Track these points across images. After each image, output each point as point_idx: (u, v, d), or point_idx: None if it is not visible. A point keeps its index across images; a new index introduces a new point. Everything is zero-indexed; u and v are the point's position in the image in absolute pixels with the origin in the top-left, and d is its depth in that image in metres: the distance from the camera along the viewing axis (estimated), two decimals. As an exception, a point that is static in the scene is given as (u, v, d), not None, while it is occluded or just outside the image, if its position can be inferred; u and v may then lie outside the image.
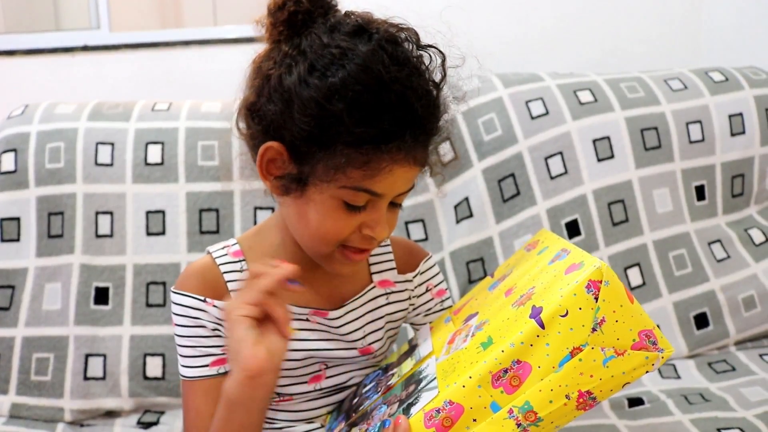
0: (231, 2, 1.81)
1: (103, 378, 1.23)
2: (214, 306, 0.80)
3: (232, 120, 0.81)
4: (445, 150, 1.40)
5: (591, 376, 0.66)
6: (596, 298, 0.65)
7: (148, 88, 1.67)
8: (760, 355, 1.38)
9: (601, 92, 1.48)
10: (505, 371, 0.66)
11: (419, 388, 0.72)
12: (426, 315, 0.95)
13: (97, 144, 1.31)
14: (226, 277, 0.82)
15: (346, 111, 0.70)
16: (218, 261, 0.83)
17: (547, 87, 1.47)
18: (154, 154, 1.31)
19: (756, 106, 1.51)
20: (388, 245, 0.93)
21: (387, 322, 0.91)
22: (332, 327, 0.86)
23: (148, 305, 1.27)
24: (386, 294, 0.90)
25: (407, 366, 0.80)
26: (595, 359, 0.65)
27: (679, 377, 1.33)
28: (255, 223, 1.31)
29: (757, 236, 1.49)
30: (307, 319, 0.84)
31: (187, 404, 0.83)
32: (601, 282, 0.65)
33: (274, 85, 0.74)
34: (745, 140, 1.50)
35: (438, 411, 0.67)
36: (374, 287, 0.89)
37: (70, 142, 1.31)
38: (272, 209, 1.31)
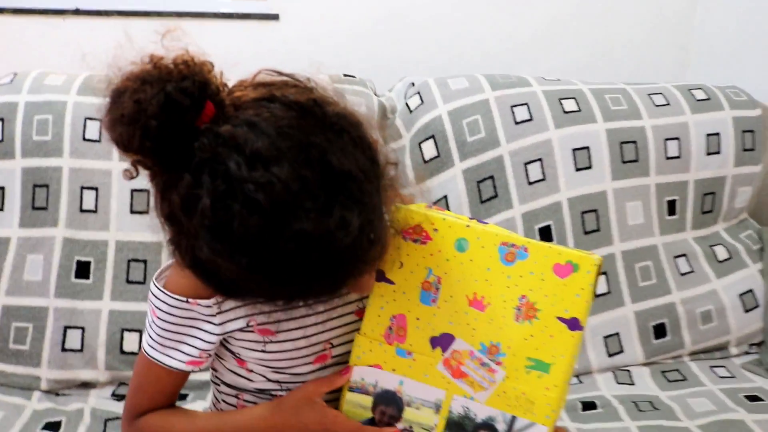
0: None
1: (81, 350, 1.27)
2: (198, 305, 0.82)
3: None
4: (428, 148, 1.44)
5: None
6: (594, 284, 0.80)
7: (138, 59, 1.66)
8: (711, 367, 1.45)
9: (586, 102, 1.51)
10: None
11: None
12: None
13: (86, 119, 1.32)
14: None
15: (267, 285, 0.68)
16: None
17: (533, 92, 1.49)
18: (142, 133, 1.33)
19: (734, 127, 1.55)
20: None
21: None
22: None
23: (129, 281, 1.30)
24: None
25: (428, 419, 0.83)
26: None
27: (633, 383, 1.39)
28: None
29: (722, 253, 1.54)
30: None
31: (141, 378, 0.88)
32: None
33: (177, 248, 0.69)
34: (719, 160, 1.54)
35: None
36: None
37: (58, 115, 1.32)
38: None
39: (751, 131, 1.56)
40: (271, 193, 0.62)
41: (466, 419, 0.82)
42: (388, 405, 0.85)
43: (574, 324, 0.78)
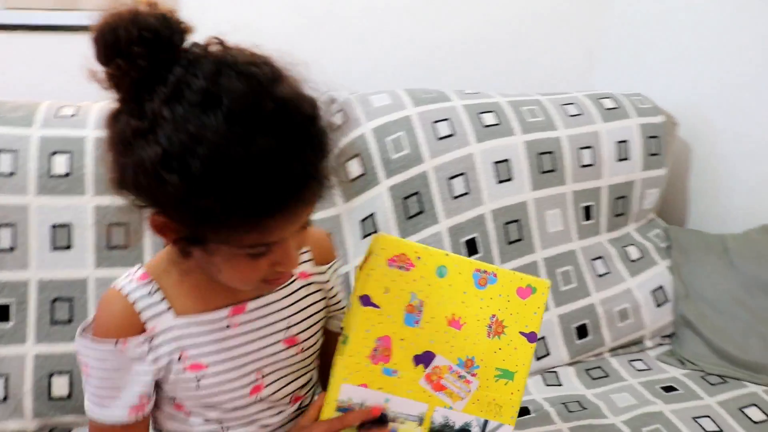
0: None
1: (5, 400, 1.21)
2: (128, 344, 0.81)
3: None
4: (354, 167, 1.45)
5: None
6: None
7: (44, 76, 1.56)
8: (629, 361, 1.54)
9: (504, 115, 1.56)
10: None
11: None
12: (334, 310, 0.99)
13: (-3, 152, 1.26)
14: (137, 306, 0.82)
15: (211, 205, 0.67)
16: (124, 292, 0.83)
17: (453, 107, 1.53)
18: (60, 164, 1.27)
19: (641, 134, 1.64)
20: None
21: (313, 314, 0.94)
22: (254, 322, 0.88)
23: (54, 322, 1.24)
24: (306, 285, 0.94)
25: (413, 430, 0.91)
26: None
27: (560, 384, 1.46)
28: (165, 238, 1.30)
29: (634, 252, 1.64)
30: (228, 326, 0.86)
31: None
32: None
33: (137, 166, 0.68)
34: (629, 165, 1.63)
35: None
36: (295, 279, 0.93)
37: (-35, 149, 1.24)
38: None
39: (656, 137, 1.66)
40: (262, 68, 0.71)
41: (446, 427, 0.91)
42: (375, 422, 0.89)
43: (532, 337, 0.94)
